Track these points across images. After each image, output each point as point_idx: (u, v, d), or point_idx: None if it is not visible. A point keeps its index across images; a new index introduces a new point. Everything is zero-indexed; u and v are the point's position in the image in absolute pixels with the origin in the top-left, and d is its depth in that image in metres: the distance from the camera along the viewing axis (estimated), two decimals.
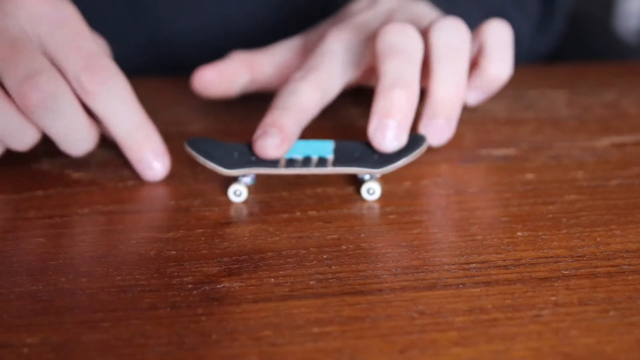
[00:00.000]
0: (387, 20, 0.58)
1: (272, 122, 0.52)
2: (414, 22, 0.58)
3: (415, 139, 0.52)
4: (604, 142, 0.58)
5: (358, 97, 0.63)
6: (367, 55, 0.56)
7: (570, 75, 0.70)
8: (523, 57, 0.77)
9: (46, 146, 0.57)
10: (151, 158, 0.53)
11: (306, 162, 0.52)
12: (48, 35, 0.52)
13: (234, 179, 0.52)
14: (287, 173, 0.51)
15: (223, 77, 0.60)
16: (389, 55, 0.52)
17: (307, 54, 0.60)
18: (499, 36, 0.57)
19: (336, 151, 0.52)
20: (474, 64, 0.58)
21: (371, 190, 0.52)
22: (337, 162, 0.52)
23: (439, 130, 0.54)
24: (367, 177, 0.52)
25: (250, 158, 0.52)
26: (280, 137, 0.51)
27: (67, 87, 0.51)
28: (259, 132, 0.52)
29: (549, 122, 0.61)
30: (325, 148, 0.53)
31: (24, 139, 0.53)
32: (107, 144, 0.57)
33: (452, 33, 0.54)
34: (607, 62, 0.82)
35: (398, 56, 0.52)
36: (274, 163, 0.51)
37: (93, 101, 0.52)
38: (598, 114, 0.62)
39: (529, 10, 0.79)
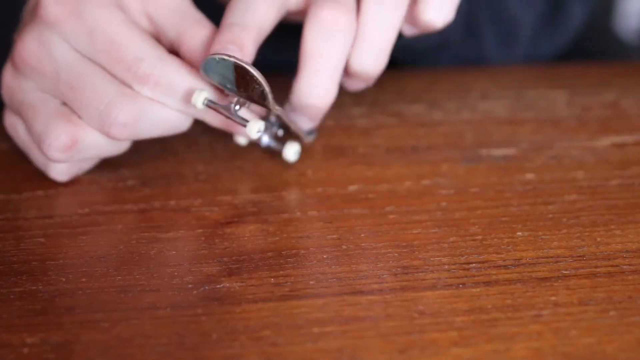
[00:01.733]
0: None
1: (231, 40, 0.49)
2: None
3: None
4: (604, 142, 0.58)
5: (359, 97, 0.63)
6: None
7: (570, 75, 0.70)
8: (523, 49, 0.75)
9: None
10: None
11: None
12: (87, 50, 0.50)
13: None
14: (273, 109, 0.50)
15: None
16: (310, 62, 0.51)
17: None
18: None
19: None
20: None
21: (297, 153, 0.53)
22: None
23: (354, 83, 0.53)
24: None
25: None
26: (240, 56, 0.48)
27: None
28: (216, 47, 0.49)
29: (549, 122, 0.61)
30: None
31: (117, 149, 0.53)
32: None
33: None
34: (607, 62, 0.82)
35: (319, 66, 0.51)
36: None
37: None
38: (598, 114, 0.62)
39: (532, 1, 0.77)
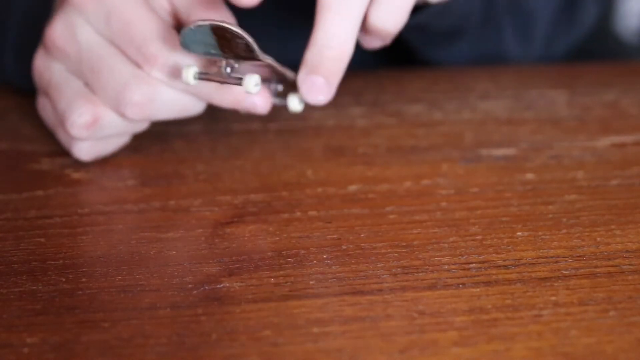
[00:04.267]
0: None
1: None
2: None
3: None
4: (604, 142, 0.58)
5: (359, 97, 0.63)
6: None
7: (570, 75, 0.70)
8: (542, 40, 0.75)
9: (46, 146, 0.57)
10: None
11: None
12: (105, 32, 0.52)
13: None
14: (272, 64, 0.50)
15: None
16: (329, 8, 0.49)
17: None
18: None
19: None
20: None
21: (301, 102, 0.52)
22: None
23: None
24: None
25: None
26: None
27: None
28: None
29: (549, 122, 0.61)
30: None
31: (137, 127, 0.54)
32: None
33: None
34: (607, 62, 0.82)
35: (338, 12, 0.50)
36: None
37: None
38: (598, 114, 0.62)
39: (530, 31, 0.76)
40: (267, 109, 0.52)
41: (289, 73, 0.52)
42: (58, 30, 0.52)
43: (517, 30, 0.73)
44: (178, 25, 0.53)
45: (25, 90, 0.62)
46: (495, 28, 0.71)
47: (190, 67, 0.50)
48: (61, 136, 0.55)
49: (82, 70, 0.52)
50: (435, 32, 0.66)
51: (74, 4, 0.52)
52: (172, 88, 0.52)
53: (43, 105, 0.55)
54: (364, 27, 0.52)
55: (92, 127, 0.52)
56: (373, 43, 0.54)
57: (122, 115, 0.52)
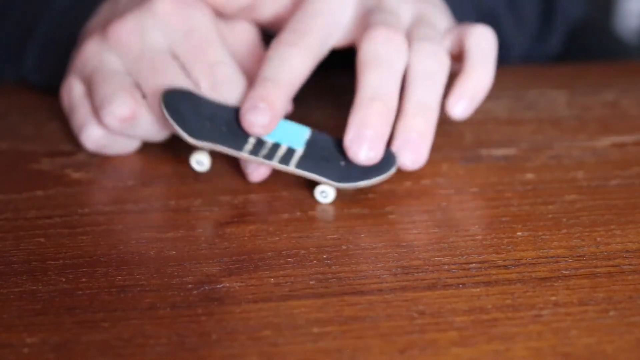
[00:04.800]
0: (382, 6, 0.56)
1: (263, 96, 0.51)
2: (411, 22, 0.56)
3: (387, 159, 0.51)
4: (604, 142, 0.58)
5: None
6: (356, 27, 0.55)
7: (570, 75, 0.70)
8: (511, 63, 0.77)
9: (46, 146, 0.57)
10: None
11: (273, 150, 0.51)
12: (178, 44, 0.54)
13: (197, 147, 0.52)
14: (247, 158, 0.51)
15: None
16: (371, 66, 0.52)
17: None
18: (484, 44, 0.55)
19: (308, 144, 0.52)
20: (456, 73, 0.56)
21: (324, 194, 0.51)
22: (305, 158, 0.51)
23: (414, 150, 0.52)
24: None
25: (221, 128, 0.51)
26: (269, 116, 0.51)
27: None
28: (248, 104, 0.51)
29: (549, 122, 0.61)
30: (299, 136, 0.52)
31: (159, 136, 0.55)
32: None
33: (431, 59, 0.53)
34: (607, 62, 0.82)
35: (380, 68, 0.51)
36: (240, 142, 0.51)
37: None
38: (598, 114, 0.62)
39: (523, 17, 0.78)
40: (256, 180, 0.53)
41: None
42: (128, 25, 0.54)
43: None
44: None
45: (40, 88, 0.62)
46: (494, 21, 0.72)
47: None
48: (77, 118, 0.55)
49: (139, 68, 0.53)
50: None
51: (156, 12, 0.54)
52: None
53: (70, 87, 0.56)
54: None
55: (127, 122, 0.53)
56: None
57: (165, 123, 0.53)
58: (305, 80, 0.53)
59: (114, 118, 0.53)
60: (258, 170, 0.52)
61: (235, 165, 0.55)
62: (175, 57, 0.54)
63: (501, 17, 0.74)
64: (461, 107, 0.55)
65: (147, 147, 0.56)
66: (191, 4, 0.54)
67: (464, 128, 0.60)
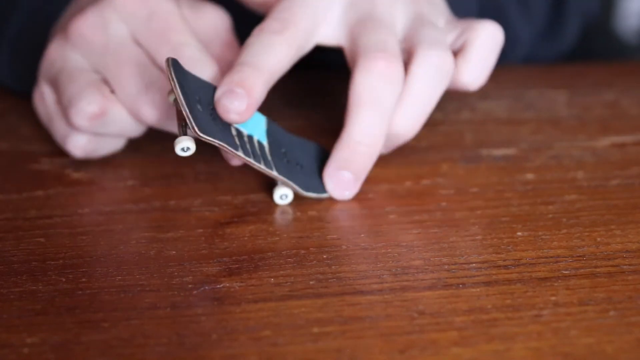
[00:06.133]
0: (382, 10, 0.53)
1: (241, 81, 0.49)
2: (410, 29, 0.54)
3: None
4: (604, 142, 0.58)
5: None
6: (345, 30, 0.53)
7: (570, 75, 0.70)
8: (520, 60, 0.76)
9: (46, 146, 0.57)
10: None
11: (252, 144, 0.50)
12: (140, 31, 0.52)
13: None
14: (247, 161, 0.49)
15: None
16: (364, 104, 0.50)
17: None
18: (486, 41, 0.54)
19: (268, 135, 0.51)
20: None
21: (284, 196, 0.51)
22: (275, 158, 0.50)
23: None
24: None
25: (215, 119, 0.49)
26: (246, 103, 0.48)
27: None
28: (224, 88, 0.49)
29: (549, 122, 0.61)
30: (259, 126, 0.51)
31: (135, 131, 0.54)
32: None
33: (433, 70, 0.51)
34: (607, 62, 0.82)
35: (372, 109, 0.50)
36: (233, 139, 0.49)
37: None
38: (598, 114, 0.62)
39: (532, 12, 0.76)
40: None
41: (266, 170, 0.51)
42: (89, 20, 0.52)
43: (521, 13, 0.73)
44: None
45: (17, 92, 0.62)
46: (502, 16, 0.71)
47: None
48: (58, 129, 0.54)
49: (105, 62, 0.52)
50: None
51: (113, 3, 0.52)
52: None
53: (42, 96, 0.55)
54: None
55: (97, 119, 0.52)
56: (384, 148, 0.54)
57: (137, 114, 0.52)
58: (286, 72, 0.51)
59: (83, 117, 0.52)
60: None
61: (235, 165, 0.55)
62: (139, 44, 0.53)
63: (507, 11, 0.73)
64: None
65: (147, 147, 0.56)
66: None
67: (464, 128, 0.60)
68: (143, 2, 0.53)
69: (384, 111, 0.50)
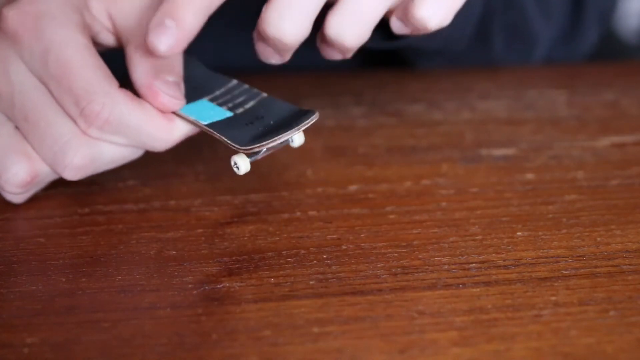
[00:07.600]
0: None
1: (170, 11, 0.44)
2: None
3: (300, 113, 0.49)
4: (604, 142, 0.58)
5: (359, 97, 0.63)
6: None
7: (570, 75, 0.70)
8: (539, 62, 0.75)
9: None
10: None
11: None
12: (39, 73, 0.47)
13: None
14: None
15: None
16: None
17: None
18: None
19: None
20: None
21: (236, 166, 0.48)
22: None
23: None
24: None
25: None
26: (175, 38, 0.44)
27: None
28: (155, 20, 0.44)
29: (549, 122, 0.61)
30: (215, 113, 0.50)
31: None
32: None
33: None
34: (607, 62, 0.82)
35: None
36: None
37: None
38: (598, 114, 0.62)
39: (552, 12, 0.73)
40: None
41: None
42: None
43: (515, 49, 0.72)
44: (119, 45, 0.50)
45: None
46: (487, 44, 0.70)
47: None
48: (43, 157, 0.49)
49: (14, 115, 0.48)
50: (420, 51, 0.65)
51: (7, 32, 0.47)
52: (115, 145, 0.48)
53: None
54: (322, 37, 0.49)
55: (30, 185, 0.49)
56: (330, 54, 0.50)
57: (60, 174, 0.48)
58: (222, 7, 0.46)
59: (15, 187, 0.48)
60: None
61: None
62: (46, 86, 0.47)
63: (526, 4, 0.71)
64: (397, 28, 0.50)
65: None
66: (39, 13, 0.46)
67: (464, 128, 0.60)
68: (37, 36, 0.46)
69: (306, 5, 0.45)
